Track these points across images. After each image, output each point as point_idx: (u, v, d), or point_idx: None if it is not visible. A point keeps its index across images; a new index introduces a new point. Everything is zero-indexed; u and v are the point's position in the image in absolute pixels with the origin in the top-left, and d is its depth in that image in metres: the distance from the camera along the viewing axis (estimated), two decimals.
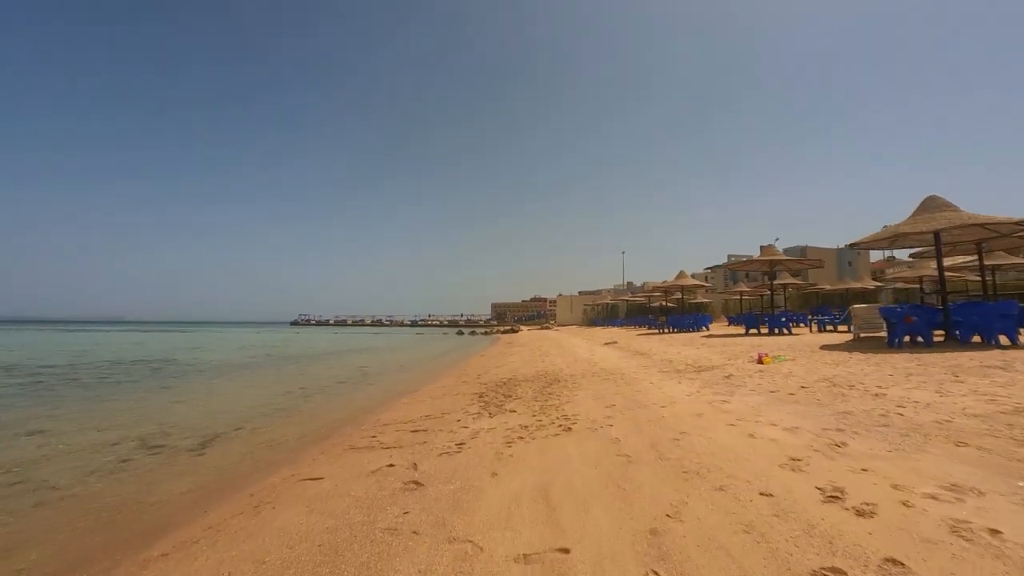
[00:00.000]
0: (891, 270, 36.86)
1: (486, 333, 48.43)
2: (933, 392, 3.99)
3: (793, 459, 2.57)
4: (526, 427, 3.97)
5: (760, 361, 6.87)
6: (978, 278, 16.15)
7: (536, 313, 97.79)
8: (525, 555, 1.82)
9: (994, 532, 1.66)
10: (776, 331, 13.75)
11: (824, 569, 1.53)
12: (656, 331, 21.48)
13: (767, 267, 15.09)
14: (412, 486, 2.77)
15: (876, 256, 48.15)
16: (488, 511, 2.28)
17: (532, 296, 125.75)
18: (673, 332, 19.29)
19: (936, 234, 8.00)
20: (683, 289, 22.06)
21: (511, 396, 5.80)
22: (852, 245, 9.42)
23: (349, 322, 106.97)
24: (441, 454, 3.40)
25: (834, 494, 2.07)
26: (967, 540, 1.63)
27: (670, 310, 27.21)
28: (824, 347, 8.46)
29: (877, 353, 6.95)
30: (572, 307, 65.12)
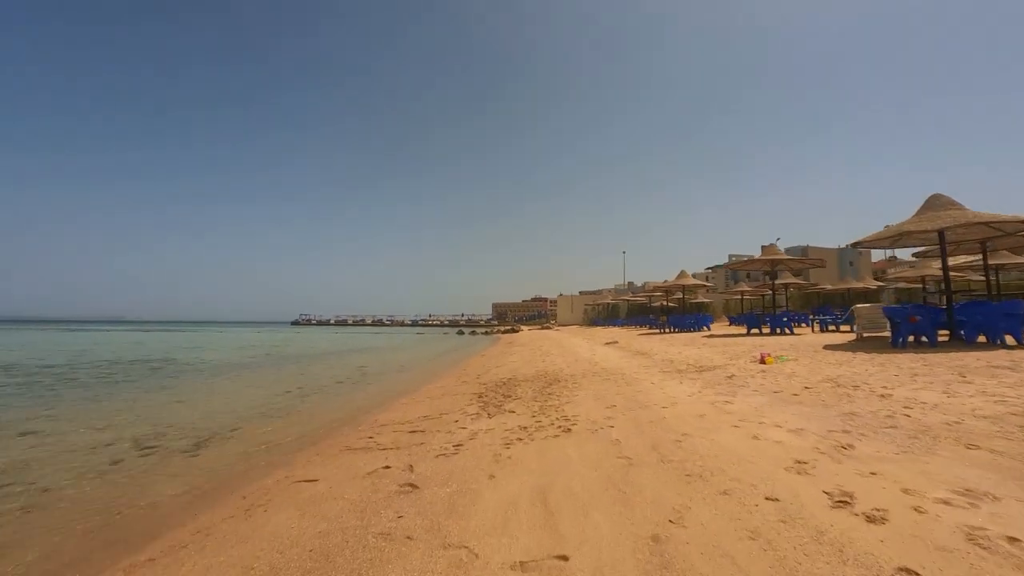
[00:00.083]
0: (892, 270, 36.73)
1: (487, 333, 48.36)
2: (940, 393, 3.91)
3: (799, 462, 2.49)
4: (525, 428, 3.90)
5: (762, 361, 6.79)
6: (980, 278, 16.09)
7: (537, 313, 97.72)
8: (522, 563, 1.75)
9: (1013, 540, 1.59)
10: (778, 331, 13.66)
11: None
12: (657, 331, 21.40)
13: (768, 267, 15.00)
14: (408, 489, 2.70)
15: (877, 256, 48.03)
16: (484, 515, 2.21)
17: (533, 296, 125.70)
18: (674, 332, 19.20)
19: (941, 233, 7.91)
20: (684, 289, 21.97)
21: (510, 396, 5.72)
22: (855, 244, 9.34)
23: (350, 322, 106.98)
24: (438, 456, 3.33)
25: (843, 499, 2.00)
26: (984, 548, 1.55)
27: (671, 310, 27.13)
28: (827, 347, 8.38)
29: (881, 353, 6.87)
30: (573, 307, 65.02)
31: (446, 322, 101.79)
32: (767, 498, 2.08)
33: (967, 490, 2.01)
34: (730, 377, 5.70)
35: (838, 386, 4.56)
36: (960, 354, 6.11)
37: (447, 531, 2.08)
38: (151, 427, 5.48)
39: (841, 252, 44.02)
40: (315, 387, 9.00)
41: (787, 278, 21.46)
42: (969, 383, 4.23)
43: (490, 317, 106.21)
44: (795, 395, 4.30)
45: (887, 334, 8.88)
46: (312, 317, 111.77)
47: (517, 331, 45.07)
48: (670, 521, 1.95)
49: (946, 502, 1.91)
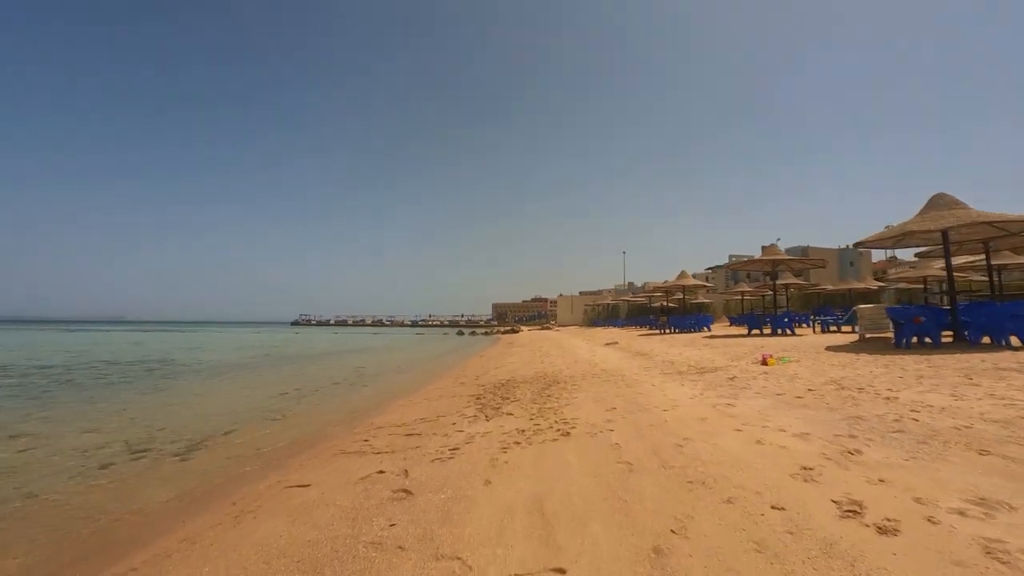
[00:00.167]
0: (893, 270, 36.63)
1: (486, 333, 48.27)
2: (948, 396, 3.83)
3: (805, 468, 2.41)
4: (523, 431, 3.82)
5: (764, 362, 6.71)
6: (981, 278, 16.00)
7: (537, 313, 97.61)
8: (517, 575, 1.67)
9: None
10: (779, 332, 13.58)
11: None
12: (657, 331, 21.32)
13: (769, 267, 14.92)
14: (401, 495, 2.62)
15: (878, 256, 47.93)
16: (479, 524, 2.13)
17: (533, 296, 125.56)
18: (674, 333, 19.12)
19: (944, 233, 7.83)
20: (684, 289, 21.89)
21: (509, 398, 5.64)
22: (857, 244, 9.26)
23: (350, 322, 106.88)
24: (434, 460, 3.26)
25: (852, 508, 1.92)
26: (1004, 563, 1.47)
27: (671, 310, 27.04)
28: (829, 348, 8.29)
29: (885, 354, 6.79)
30: (573, 307, 64.91)
31: (446, 322, 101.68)
32: (773, 507, 2.00)
33: (981, 499, 1.93)
34: (732, 379, 5.62)
35: (842, 388, 4.48)
36: (965, 355, 6.03)
37: (440, 541, 2.00)
38: (144, 429, 5.40)
39: (842, 252, 43.94)
40: (312, 388, 8.92)
41: (788, 278, 21.37)
42: (976, 385, 4.15)
43: (490, 317, 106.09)
44: (799, 398, 4.22)
45: (890, 335, 8.79)
46: (312, 317, 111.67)
47: (517, 332, 44.97)
48: (672, 532, 1.87)
49: (960, 512, 1.83)
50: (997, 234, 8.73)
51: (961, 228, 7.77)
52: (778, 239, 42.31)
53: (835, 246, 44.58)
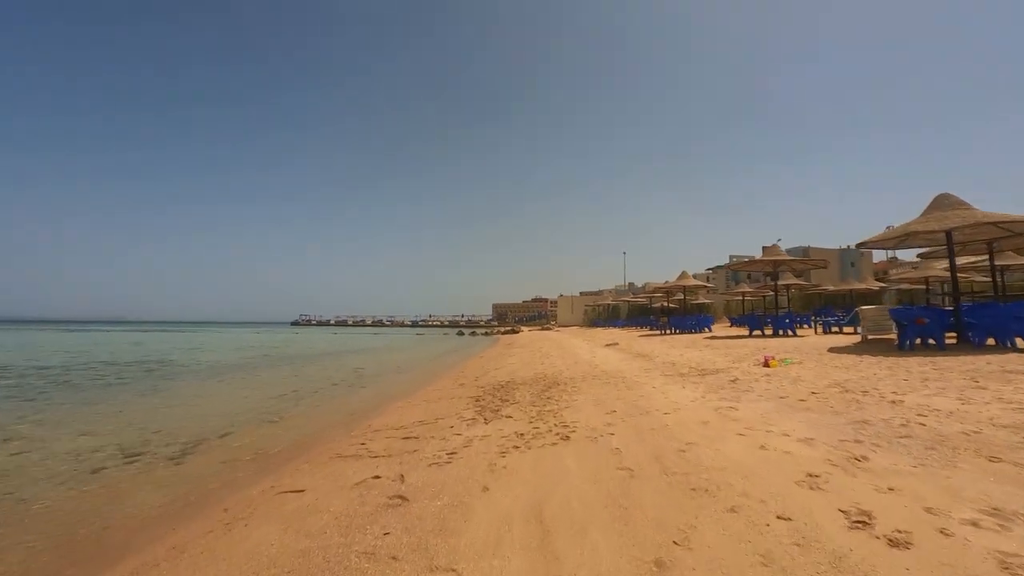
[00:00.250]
0: (894, 271, 36.51)
1: (487, 334, 48.20)
2: (955, 399, 3.76)
3: (811, 475, 2.35)
4: (522, 435, 3.76)
5: (766, 364, 6.64)
6: (983, 278, 15.91)
7: (537, 314, 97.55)
8: None
9: None
10: (780, 333, 13.50)
11: None
12: (658, 332, 21.25)
13: (770, 267, 14.84)
14: (397, 501, 2.56)
15: (878, 256, 47.80)
16: (476, 533, 2.06)
17: (533, 296, 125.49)
18: (675, 333, 19.05)
19: (948, 233, 7.76)
20: (685, 290, 21.81)
21: (508, 401, 5.58)
22: (860, 245, 9.20)
23: (350, 322, 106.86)
24: (431, 464, 3.19)
25: (861, 518, 1.85)
26: None
27: (672, 311, 26.96)
28: (832, 349, 8.22)
29: (888, 356, 6.72)
30: (573, 308, 64.85)
31: (446, 323, 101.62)
32: (779, 517, 1.93)
33: (995, 509, 1.86)
34: (734, 381, 5.55)
35: (846, 391, 4.41)
36: (971, 358, 5.95)
37: (435, 551, 1.94)
38: (139, 432, 5.34)
39: (843, 253, 43.84)
40: (311, 390, 8.85)
41: (788, 279, 21.29)
42: (983, 389, 4.08)
43: (490, 318, 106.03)
44: (802, 401, 4.15)
45: (893, 336, 8.72)
46: (312, 318, 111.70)
47: (517, 332, 44.91)
48: (674, 543, 1.80)
49: (974, 523, 1.76)
50: (1001, 235, 8.66)
51: (965, 229, 7.70)
52: (779, 239, 42.17)
53: (836, 246, 44.51)
